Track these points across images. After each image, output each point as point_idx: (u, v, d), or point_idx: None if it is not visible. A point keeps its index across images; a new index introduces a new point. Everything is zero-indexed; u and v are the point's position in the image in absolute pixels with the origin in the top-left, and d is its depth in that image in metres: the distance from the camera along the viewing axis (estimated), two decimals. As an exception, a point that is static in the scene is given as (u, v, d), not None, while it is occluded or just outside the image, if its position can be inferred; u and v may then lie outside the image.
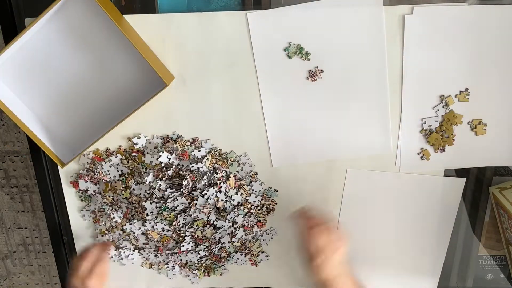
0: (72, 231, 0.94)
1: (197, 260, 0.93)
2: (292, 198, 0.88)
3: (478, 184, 0.86)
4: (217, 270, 0.96)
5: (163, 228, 0.88)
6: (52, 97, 0.82)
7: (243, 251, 0.93)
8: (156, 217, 0.87)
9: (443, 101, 0.78)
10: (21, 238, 1.65)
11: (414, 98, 0.79)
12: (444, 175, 0.84)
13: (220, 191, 0.84)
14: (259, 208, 0.88)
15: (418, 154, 0.83)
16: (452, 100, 0.78)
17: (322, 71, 0.78)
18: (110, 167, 0.86)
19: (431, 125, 0.80)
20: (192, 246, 0.91)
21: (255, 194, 0.87)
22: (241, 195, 0.86)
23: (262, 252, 0.94)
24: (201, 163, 0.83)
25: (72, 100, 0.82)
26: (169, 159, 0.83)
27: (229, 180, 0.85)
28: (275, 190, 0.87)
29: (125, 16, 0.76)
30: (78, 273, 0.81)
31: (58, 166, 0.86)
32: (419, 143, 0.82)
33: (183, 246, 0.90)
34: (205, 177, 0.83)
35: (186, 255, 0.92)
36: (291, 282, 0.97)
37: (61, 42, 0.78)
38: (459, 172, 0.85)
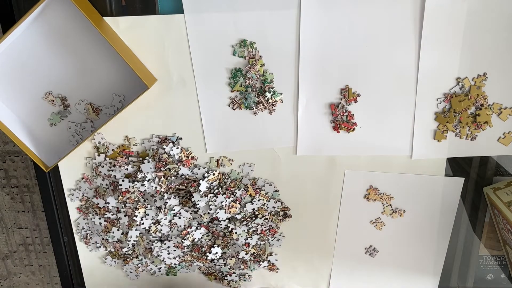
0: (72, 231, 0.94)
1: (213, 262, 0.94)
2: (292, 198, 0.88)
3: (478, 184, 0.86)
4: (226, 279, 0.97)
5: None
6: (35, 100, 0.82)
7: (259, 259, 0.94)
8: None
9: (460, 83, 0.78)
10: (22, 238, 1.65)
11: (429, 81, 0.77)
12: (445, 175, 0.84)
13: (228, 198, 0.85)
14: (273, 213, 0.88)
15: (435, 139, 0.81)
16: (469, 82, 0.77)
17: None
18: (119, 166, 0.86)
19: (446, 105, 0.79)
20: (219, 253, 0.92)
21: (274, 199, 0.87)
22: (259, 200, 0.87)
23: (271, 254, 0.94)
24: (204, 178, 0.85)
25: (56, 103, 0.82)
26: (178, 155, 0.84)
27: (248, 191, 0.86)
28: (276, 190, 0.88)
29: (126, 17, 0.76)
30: None
31: (59, 165, 0.87)
32: (434, 126, 0.81)
33: (214, 253, 0.91)
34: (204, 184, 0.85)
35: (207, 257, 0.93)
36: (291, 282, 0.97)
37: (43, 46, 0.78)
38: (459, 172, 0.85)
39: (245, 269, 0.95)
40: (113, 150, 0.85)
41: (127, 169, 0.85)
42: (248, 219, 0.88)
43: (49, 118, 0.83)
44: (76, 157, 0.86)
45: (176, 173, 0.85)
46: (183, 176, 0.85)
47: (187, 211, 0.88)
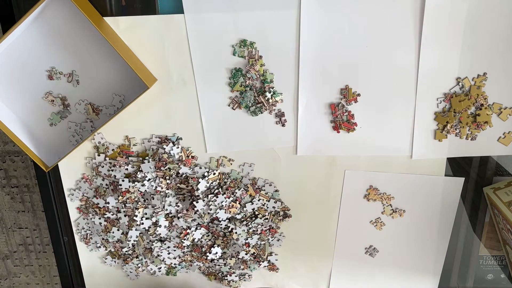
0: (72, 231, 0.94)
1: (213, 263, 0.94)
2: (292, 198, 0.88)
3: (478, 184, 0.86)
4: (226, 279, 0.97)
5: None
6: (35, 100, 0.82)
7: (259, 259, 0.94)
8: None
9: (460, 83, 0.77)
10: (22, 238, 1.65)
11: (429, 81, 0.77)
12: (445, 175, 0.84)
13: (229, 198, 0.85)
14: (273, 213, 0.88)
15: (435, 139, 0.81)
16: (469, 82, 0.77)
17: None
18: (117, 166, 0.86)
19: (446, 105, 0.79)
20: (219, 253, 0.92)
21: (274, 199, 0.87)
22: (259, 200, 0.86)
23: (271, 254, 0.94)
24: (204, 177, 0.84)
25: (56, 103, 0.82)
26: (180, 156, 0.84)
27: (248, 191, 0.85)
28: (276, 190, 0.87)
29: (126, 17, 0.76)
30: None
31: (59, 165, 0.86)
32: (434, 126, 0.81)
33: (214, 253, 0.91)
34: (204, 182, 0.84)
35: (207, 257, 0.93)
36: (291, 282, 0.97)
37: (43, 46, 0.78)
38: (459, 172, 0.85)
39: (245, 269, 0.95)
40: (113, 150, 0.85)
41: (127, 169, 0.85)
42: (248, 219, 0.88)
43: (49, 118, 0.83)
44: (76, 157, 0.86)
45: (176, 172, 0.85)
46: (183, 175, 0.85)
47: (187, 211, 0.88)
